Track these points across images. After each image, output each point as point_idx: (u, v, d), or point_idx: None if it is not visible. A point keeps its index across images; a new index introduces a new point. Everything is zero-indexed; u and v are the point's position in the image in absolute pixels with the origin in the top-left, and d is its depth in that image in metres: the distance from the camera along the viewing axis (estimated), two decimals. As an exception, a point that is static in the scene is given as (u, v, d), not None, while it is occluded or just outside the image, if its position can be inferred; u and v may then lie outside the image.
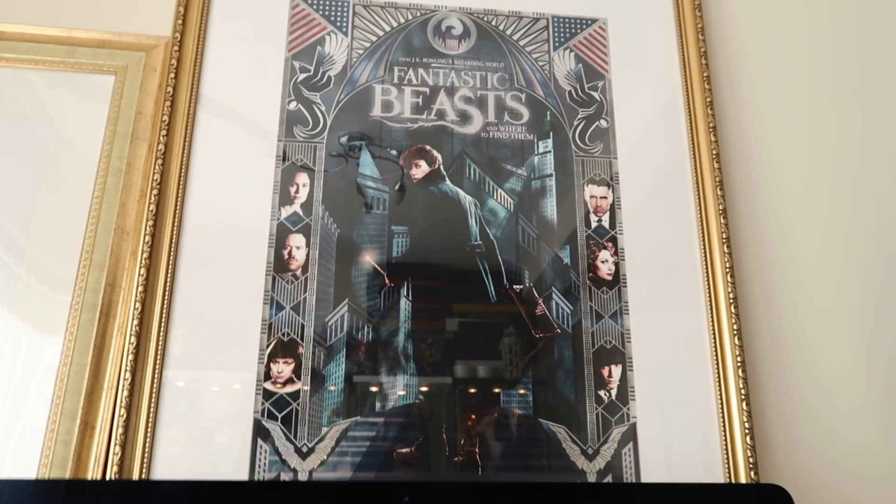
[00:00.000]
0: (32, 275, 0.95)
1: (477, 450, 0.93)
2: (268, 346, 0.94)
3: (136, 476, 0.86)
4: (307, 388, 0.93)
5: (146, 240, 0.95)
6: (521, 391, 0.96)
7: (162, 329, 0.92)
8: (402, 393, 0.94)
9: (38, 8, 1.09)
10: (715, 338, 1.01)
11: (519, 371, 0.97)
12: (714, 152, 1.09)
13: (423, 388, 0.95)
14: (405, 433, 0.93)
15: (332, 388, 0.94)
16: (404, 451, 0.92)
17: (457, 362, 0.97)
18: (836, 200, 1.15)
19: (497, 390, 0.96)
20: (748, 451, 0.95)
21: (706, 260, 1.05)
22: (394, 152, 1.05)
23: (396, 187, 1.04)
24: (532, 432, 0.95)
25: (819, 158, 1.17)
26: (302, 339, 0.95)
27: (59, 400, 0.88)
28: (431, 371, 0.96)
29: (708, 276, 1.04)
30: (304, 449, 0.91)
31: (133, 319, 0.92)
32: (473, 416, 0.95)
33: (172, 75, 1.03)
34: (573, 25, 1.15)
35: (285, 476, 0.89)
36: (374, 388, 0.94)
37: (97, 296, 0.93)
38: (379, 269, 0.99)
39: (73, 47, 1.06)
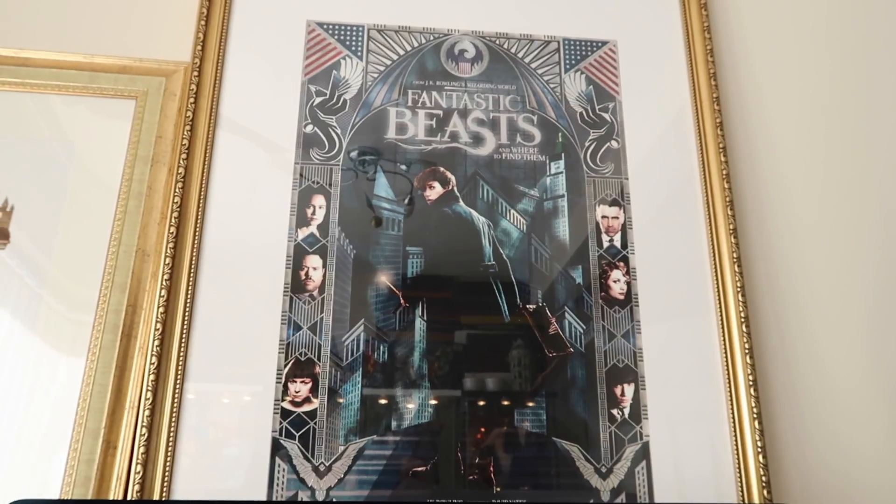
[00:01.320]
0: (55, 296, 0.97)
1: (491, 468, 0.94)
2: (285, 366, 0.96)
3: (156, 495, 0.87)
4: (324, 407, 0.95)
5: (166, 261, 0.97)
6: (535, 410, 0.98)
7: (182, 349, 0.94)
8: (416, 410, 0.96)
9: (61, 34, 1.12)
10: (726, 356, 1.02)
11: (528, 383, 0.98)
12: (724, 172, 1.10)
13: (433, 402, 0.96)
14: (420, 451, 0.94)
15: (349, 406, 0.95)
16: (420, 469, 0.93)
17: (466, 375, 0.98)
18: (846, 219, 1.16)
19: (506, 403, 0.97)
20: (761, 469, 0.96)
21: (717, 279, 1.06)
22: (403, 167, 1.07)
23: (406, 201, 1.05)
24: (546, 450, 0.96)
25: (829, 177, 1.18)
26: (319, 358, 0.97)
27: (82, 419, 0.90)
28: (441, 384, 0.97)
29: (719, 294, 1.05)
30: (322, 468, 0.92)
31: (154, 340, 0.94)
32: (483, 430, 0.96)
33: (192, 100, 1.06)
34: (584, 48, 1.17)
35: (303, 495, 0.90)
36: (389, 407, 0.96)
37: (119, 317, 0.95)
38: (394, 289, 1.01)
39: (95, 73, 1.08)
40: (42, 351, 0.95)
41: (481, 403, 0.97)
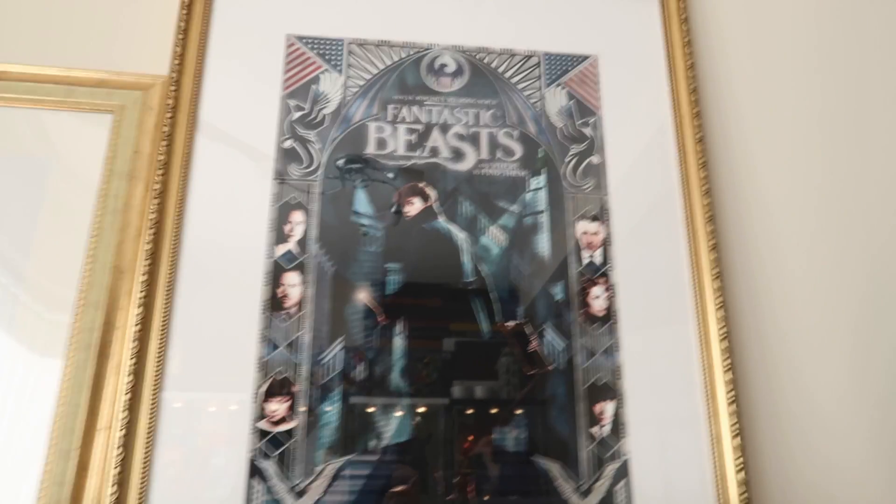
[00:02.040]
0: (31, 314, 0.96)
1: (469, 487, 0.94)
2: (263, 385, 0.95)
3: (130, 517, 0.86)
4: (301, 426, 0.94)
5: (142, 279, 0.96)
6: (515, 428, 0.97)
7: (158, 368, 0.93)
8: (395, 429, 0.95)
9: (38, 48, 1.10)
10: (706, 373, 1.02)
11: (508, 402, 0.98)
12: (704, 187, 1.10)
13: (413, 421, 0.96)
14: (399, 471, 0.93)
15: (327, 426, 0.94)
16: (397, 489, 0.93)
17: (450, 390, 0.98)
18: (827, 232, 1.16)
19: (487, 422, 0.97)
20: (742, 486, 0.96)
21: (697, 295, 1.05)
22: (391, 175, 1.06)
23: (393, 210, 1.05)
24: (525, 469, 0.95)
25: (810, 191, 1.18)
26: (296, 377, 0.96)
27: (55, 441, 0.89)
28: (423, 402, 0.97)
29: (699, 310, 1.05)
30: (299, 488, 0.91)
31: (129, 359, 0.92)
32: (464, 449, 0.95)
33: (169, 114, 1.05)
34: (565, 63, 1.17)
35: (279, 516, 0.89)
36: (368, 426, 0.95)
37: (93, 335, 0.94)
38: (373, 306, 1.00)
39: (72, 87, 1.07)
40: (18, 373, 0.93)
41: (463, 423, 0.97)
